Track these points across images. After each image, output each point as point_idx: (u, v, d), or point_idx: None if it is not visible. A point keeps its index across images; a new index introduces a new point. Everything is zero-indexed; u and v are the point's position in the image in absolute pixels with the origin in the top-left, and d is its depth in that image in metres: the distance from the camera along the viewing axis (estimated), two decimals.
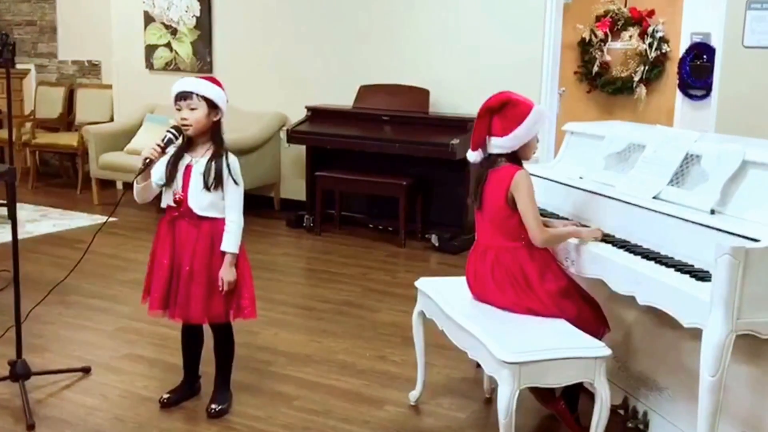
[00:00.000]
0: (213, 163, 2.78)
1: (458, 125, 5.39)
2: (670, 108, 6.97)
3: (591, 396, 2.48)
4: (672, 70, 6.91)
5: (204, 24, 6.82)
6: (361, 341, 3.72)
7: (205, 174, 2.76)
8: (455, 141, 5.24)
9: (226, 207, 2.81)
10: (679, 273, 2.27)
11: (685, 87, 6.85)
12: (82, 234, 5.63)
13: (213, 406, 2.93)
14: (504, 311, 2.64)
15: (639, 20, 6.93)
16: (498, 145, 2.66)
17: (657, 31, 6.85)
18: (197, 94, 2.76)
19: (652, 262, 2.38)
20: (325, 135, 5.84)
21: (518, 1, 5.55)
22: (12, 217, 2.94)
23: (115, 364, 3.40)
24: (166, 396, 3.01)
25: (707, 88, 6.28)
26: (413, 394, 3.07)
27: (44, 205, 6.59)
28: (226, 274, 2.80)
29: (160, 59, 7.10)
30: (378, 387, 3.22)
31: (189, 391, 3.06)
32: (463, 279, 2.85)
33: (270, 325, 3.86)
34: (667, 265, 2.33)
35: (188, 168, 2.80)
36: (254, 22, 6.59)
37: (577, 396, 2.76)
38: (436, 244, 5.44)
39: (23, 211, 6.17)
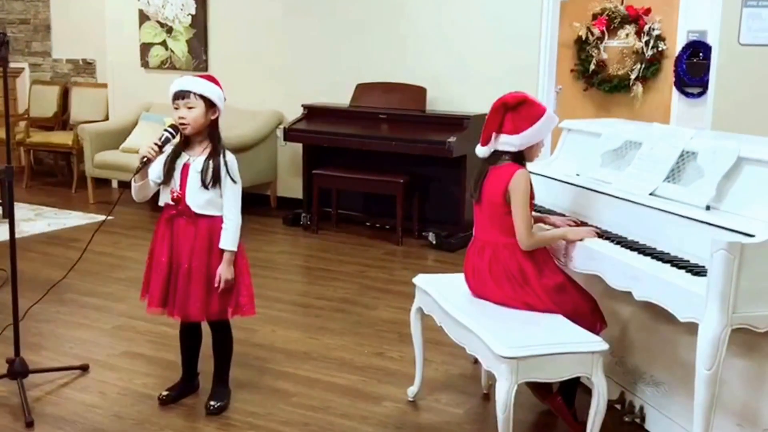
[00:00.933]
0: (211, 161, 2.79)
1: (455, 123, 5.38)
2: (666, 105, 6.98)
3: (588, 391, 2.50)
4: (668, 67, 6.92)
5: (199, 22, 6.81)
6: (359, 338, 3.73)
7: (203, 172, 2.77)
8: (452, 139, 5.25)
9: (224, 205, 2.81)
10: (675, 268, 2.29)
11: (681, 85, 6.86)
12: (77, 233, 5.63)
13: (212, 402, 2.94)
14: (501, 306, 2.65)
15: (635, 18, 6.93)
16: (506, 142, 2.67)
17: (653, 29, 6.86)
18: (195, 93, 2.77)
19: (649, 258, 2.40)
20: (321, 133, 5.84)
21: (515, 0, 5.56)
22: (10, 216, 2.94)
23: (113, 361, 3.40)
24: (164, 393, 3.02)
25: (703, 86, 6.29)
26: (411, 390, 3.08)
27: (39, 204, 6.58)
28: (225, 271, 2.80)
29: (155, 57, 7.09)
30: (376, 383, 3.23)
31: (188, 389, 3.07)
32: (460, 275, 2.86)
33: (268, 323, 3.87)
34: (664, 261, 2.36)
35: (186, 166, 2.80)
36: (250, 20, 6.59)
37: (575, 391, 2.77)
38: (433, 242, 5.45)
39: (18, 210, 6.09)
